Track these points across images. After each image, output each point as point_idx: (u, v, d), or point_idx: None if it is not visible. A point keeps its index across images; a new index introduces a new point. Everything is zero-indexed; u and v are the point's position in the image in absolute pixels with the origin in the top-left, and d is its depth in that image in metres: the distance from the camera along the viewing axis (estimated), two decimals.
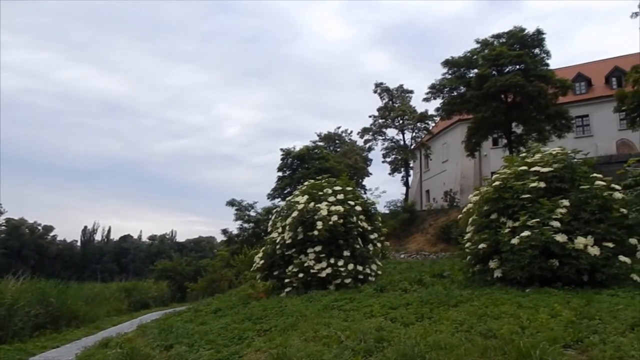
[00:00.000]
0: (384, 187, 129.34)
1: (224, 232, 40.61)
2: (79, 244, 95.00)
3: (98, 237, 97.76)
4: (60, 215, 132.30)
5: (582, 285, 7.89)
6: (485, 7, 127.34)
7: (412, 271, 13.96)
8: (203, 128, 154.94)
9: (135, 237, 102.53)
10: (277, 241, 12.20)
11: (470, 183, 33.90)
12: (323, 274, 11.02)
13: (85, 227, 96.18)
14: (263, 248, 13.24)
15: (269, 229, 13.73)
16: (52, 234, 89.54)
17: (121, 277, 51.22)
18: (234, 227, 39.62)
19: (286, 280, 11.54)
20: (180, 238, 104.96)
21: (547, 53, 28.00)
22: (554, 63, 28.89)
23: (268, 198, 38.03)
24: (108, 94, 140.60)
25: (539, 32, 27.85)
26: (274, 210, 14.50)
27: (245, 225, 38.35)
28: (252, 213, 39.07)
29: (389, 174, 40.08)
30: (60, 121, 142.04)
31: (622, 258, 8.00)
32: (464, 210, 10.94)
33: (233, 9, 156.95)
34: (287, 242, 11.77)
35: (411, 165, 42.72)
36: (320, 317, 7.45)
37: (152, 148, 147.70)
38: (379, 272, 12.28)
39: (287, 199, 13.82)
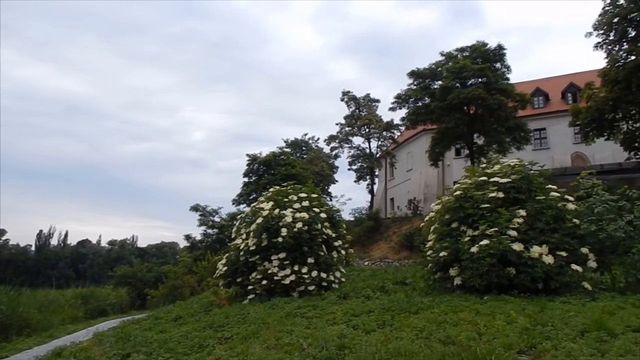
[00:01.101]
0: (349, 194, 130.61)
1: (187, 237, 39.87)
2: (33, 248, 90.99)
3: (54, 241, 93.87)
4: (14, 218, 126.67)
5: (537, 292, 8.19)
6: (450, 22, 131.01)
7: (376, 278, 14.10)
8: (168, 131, 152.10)
9: (94, 242, 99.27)
10: (241, 248, 12.08)
11: (434, 192, 34.54)
12: (287, 281, 10.99)
13: (41, 231, 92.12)
14: (226, 254, 13.09)
15: (233, 235, 13.58)
16: (4, 237, 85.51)
17: (78, 283, 49.43)
18: (197, 232, 39.01)
19: (249, 287, 11.43)
20: (142, 243, 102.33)
21: (508, 68, 29.00)
22: (514, 78, 29.94)
23: (233, 204, 37.62)
24: (69, 95, 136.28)
25: (500, 48, 28.83)
26: (239, 217, 14.36)
27: (209, 231, 37.81)
28: (217, 219, 38.57)
29: (355, 181, 40.37)
30: (15, 120, 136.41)
31: (574, 266, 8.35)
32: (426, 218, 11.17)
33: (201, 12, 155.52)
34: (251, 248, 11.68)
35: (377, 173, 43.18)
36: (283, 325, 7.42)
37: (114, 151, 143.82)
38: (343, 279, 12.35)
39: (252, 205, 13.73)
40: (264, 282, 11.16)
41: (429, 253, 10.21)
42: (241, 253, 11.99)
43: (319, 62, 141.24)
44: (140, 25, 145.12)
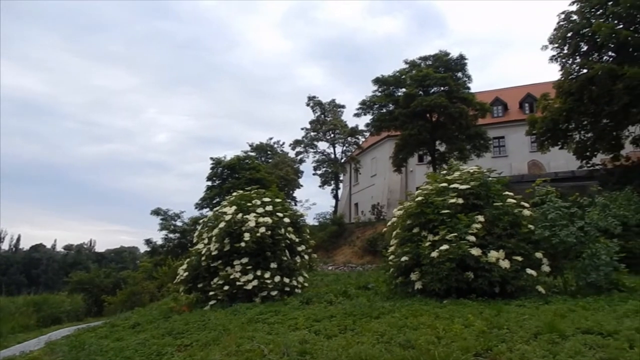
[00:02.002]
0: (314, 199, 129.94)
1: (148, 242, 38.93)
2: None
3: (5, 246, 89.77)
4: None
5: (494, 296, 8.44)
6: (415, 31, 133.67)
7: (339, 283, 14.15)
8: (130, 133, 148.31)
9: (49, 246, 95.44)
10: (203, 252, 11.88)
11: (397, 197, 35.07)
12: (249, 286, 10.87)
13: None
14: (188, 260, 12.83)
15: (195, 240, 13.35)
16: None
17: (30, 290, 47.18)
18: (158, 237, 38.24)
19: (211, 293, 11.24)
20: (100, 248, 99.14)
21: (469, 77, 29.88)
22: (474, 87, 30.96)
23: (196, 208, 37.08)
24: (25, 93, 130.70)
25: (461, 57, 29.67)
26: (201, 221, 14.13)
27: (171, 235, 37.10)
28: (179, 223, 37.90)
29: (320, 186, 40.55)
30: None
31: (529, 271, 8.64)
32: (389, 223, 11.31)
33: (168, 13, 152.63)
34: (213, 253, 11.50)
35: (341, 178, 43.52)
36: (244, 331, 7.32)
37: (73, 152, 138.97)
38: (306, 284, 12.33)
39: (215, 209, 13.54)
40: (226, 287, 11.00)
41: (391, 258, 10.34)
42: (203, 258, 11.78)
43: (286, 66, 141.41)
44: (104, 24, 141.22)
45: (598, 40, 20.71)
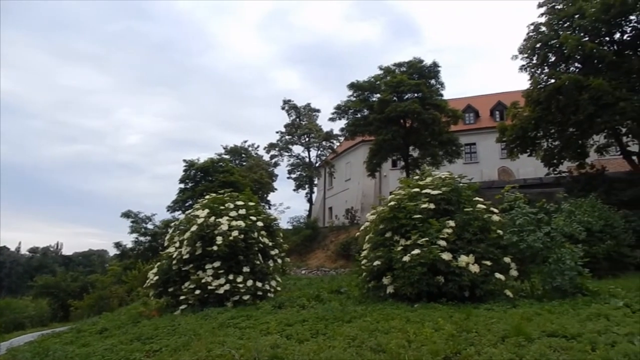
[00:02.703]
0: (288, 203, 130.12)
1: (117, 245, 38.11)
2: None
3: None
4: None
5: (464, 300, 8.58)
6: (390, 38, 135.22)
7: (311, 287, 14.14)
8: (101, 134, 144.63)
9: (13, 249, 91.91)
10: (174, 256, 11.70)
11: (371, 202, 35.33)
12: (221, 291, 10.75)
13: None
14: (158, 263, 12.61)
15: (166, 244, 13.13)
16: None
17: None
18: (129, 240, 37.42)
19: (181, 298, 11.07)
20: (68, 251, 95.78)
21: (442, 84, 30.43)
22: (447, 94, 31.43)
23: (168, 210, 36.50)
24: None
25: (435, 65, 30.18)
26: (173, 224, 13.91)
27: (142, 238, 36.44)
28: (150, 226, 37.27)
29: (294, 190, 40.53)
30: None
31: (497, 275, 8.84)
32: (362, 228, 11.38)
33: (142, 13, 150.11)
34: (185, 257, 11.34)
35: (316, 182, 43.57)
36: (215, 336, 7.23)
37: (40, 152, 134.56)
38: (279, 288, 12.28)
39: (187, 212, 13.35)
40: (197, 291, 10.85)
41: (363, 262, 10.40)
42: (174, 262, 11.60)
43: (262, 69, 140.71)
44: (75, 23, 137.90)
45: (565, 51, 21.39)
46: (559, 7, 22.88)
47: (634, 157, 22.33)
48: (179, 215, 30.66)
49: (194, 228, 11.38)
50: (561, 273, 8.89)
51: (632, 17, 21.08)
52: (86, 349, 7.94)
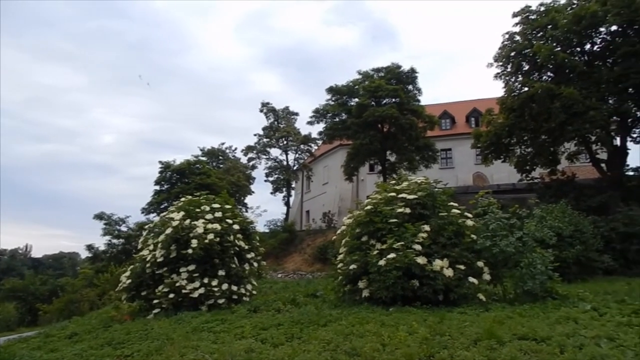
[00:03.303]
0: (265, 206, 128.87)
1: (90, 248, 37.29)
2: None
3: None
4: None
5: (438, 304, 8.68)
6: (368, 43, 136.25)
7: (287, 291, 14.10)
8: (74, 133, 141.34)
9: None
10: (148, 259, 11.50)
11: (348, 205, 35.44)
12: (195, 294, 10.61)
13: None
14: (131, 266, 12.38)
15: (140, 246, 12.90)
16: None
17: None
18: (101, 242, 36.66)
19: (155, 301, 10.87)
20: (37, 253, 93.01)
21: (419, 90, 30.86)
22: (424, 100, 31.94)
23: (142, 213, 35.93)
24: None
25: (412, 71, 30.57)
26: (147, 226, 13.68)
27: (115, 241, 35.77)
28: (124, 228, 36.64)
29: (271, 193, 40.35)
30: None
31: (471, 279, 8.98)
32: (339, 232, 11.41)
33: (119, 12, 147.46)
34: (159, 260, 11.16)
35: (293, 185, 43.50)
36: (189, 340, 7.14)
37: (10, 151, 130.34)
38: (254, 292, 12.20)
39: (162, 214, 13.15)
40: (171, 295, 10.68)
41: (339, 266, 10.43)
42: (147, 265, 11.40)
43: (240, 72, 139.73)
44: (49, 20, 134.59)
45: (538, 60, 21.97)
46: (532, 17, 23.50)
47: (603, 165, 23.03)
48: (154, 217, 30.15)
49: (168, 231, 11.22)
50: (532, 277, 9.08)
51: (601, 29, 21.81)
52: (54, 354, 7.74)
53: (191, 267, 10.92)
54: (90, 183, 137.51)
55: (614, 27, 21.30)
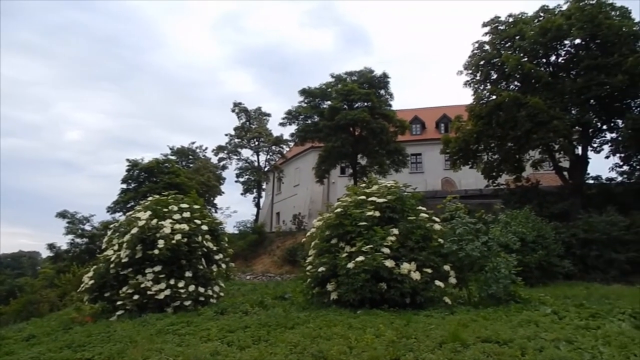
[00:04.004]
0: (235, 207, 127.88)
1: (51, 247, 36.08)
2: None
3: None
4: None
5: (405, 306, 8.79)
6: (342, 47, 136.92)
7: (256, 293, 14.00)
8: (37, 128, 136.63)
9: None
10: (112, 259, 11.19)
11: (319, 208, 35.45)
12: (161, 296, 10.39)
13: None
14: (95, 267, 12.02)
15: (104, 246, 12.55)
16: None
17: None
18: (64, 242, 35.53)
19: (118, 303, 10.58)
20: None
21: (391, 95, 31.24)
22: (395, 104, 32.23)
23: (108, 211, 35.05)
24: None
25: (385, 76, 30.93)
26: (112, 226, 13.33)
27: (78, 240, 34.79)
28: (88, 227, 35.68)
29: (242, 194, 40.06)
30: None
31: (437, 282, 9.13)
32: (308, 234, 11.41)
33: (88, 6, 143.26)
34: (124, 260, 10.87)
35: (264, 187, 43.29)
36: (153, 343, 6.97)
37: None
38: (222, 294, 12.04)
39: (128, 214, 12.84)
40: (136, 297, 10.42)
41: (308, 268, 10.42)
42: (112, 265, 11.09)
43: (213, 71, 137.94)
44: (12, 11, 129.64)
45: (506, 70, 22.59)
46: (501, 28, 24.15)
47: (565, 173, 23.83)
48: (120, 216, 29.50)
49: (134, 230, 10.95)
50: (496, 281, 9.31)
51: (566, 42, 22.62)
52: (10, 357, 7.42)
53: (157, 268, 10.69)
54: (53, 180, 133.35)
55: (577, 41, 22.14)
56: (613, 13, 21.52)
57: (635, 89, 20.85)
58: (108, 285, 11.14)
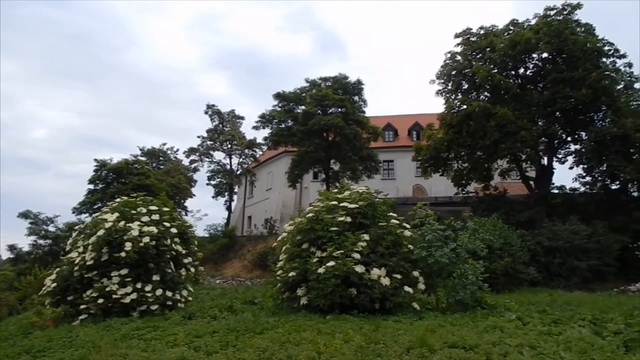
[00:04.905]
0: (206, 209, 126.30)
1: (12, 248, 34.75)
2: None
3: None
4: None
5: (374, 312, 8.85)
6: (317, 52, 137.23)
7: (225, 297, 13.85)
8: (2, 125, 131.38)
9: None
10: (76, 262, 10.87)
11: (291, 212, 35.36)
12: (127, 300, 10.15)
13: None
14: (58, 269, 11.65)
15: (68, 248, 12.18)
16: None
17: None
18: (25, 243, 34.29)
19: (82, 307, 10.26)
20: None
21: (365, 102, 31.60)
22: (369, 111, 32.60)
23: (74, 212, 33.98)
24: None
25: (359, 82, 31.25)
26: (77, 227, 12.95)
27: (41, 241, 33.59)
28: (52, 228, 34.50)
29: (213, 197, 39.55)
30: None
31: (406, 288, 9.23)
32: (279, 238, 11.37)
33: (60, 1, 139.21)
34: (88, 263, 10.57)
35: (236, 190, 42.91)
36: (117, 348, 6.80)
37: None
38: (190, 298, 11.85)
39: (95, 215, 12.52)
40: (100, 300, 10.14)
41: (279, 273, 10.37)
42: (76, 268, 10.77)
43: (187, 72, 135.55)
44: None
45: (477, 80, 23.14)
46: (473, 39, 24.76)
47: (531, 182, 24.53)
48: (86, 218, 28.72)
49: (101, 232, 10.67)
50: (464, 287, 9.48)
51: (534, 55, 23.36)
52: None
53: (124, 271, 10.44)
54: (16, 179, 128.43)
55: (545, 55, 22.89)
56: (578, 29, 22.37)
57: (598, 103, 21.69)
58: (71, 289, 10.82)
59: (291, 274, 9.56)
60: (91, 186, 34.81)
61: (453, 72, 24.70)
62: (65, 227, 32.27)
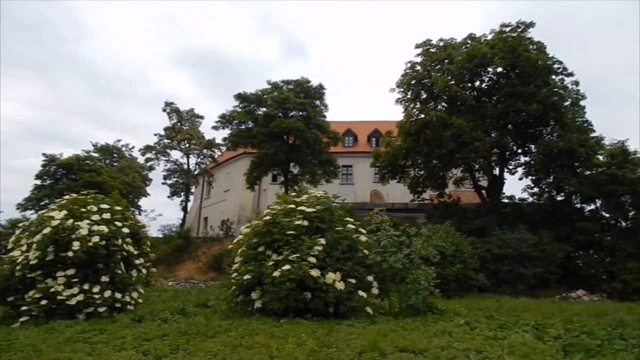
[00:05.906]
0: (161, 209, 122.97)
1: None
2: None
3: None
4: None
5: (328, 316, 8.90)
6: (280, 56, 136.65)
7: (177, 300, 13.54)
8: None
9: None
10: (19, 261, 10.32)
11: (248, 215, 35.08)
12: (73, 301, 9.72)
13: None
14: None
15: (10, 246, 11.56)
16: None
17: None
18: None
19: (23, 308, 9.76)
20: None
21: (326, 106, 31.76)
22: (329, 116, 32.75)
23: (18, 209, 32.36)
24: None
25: (321, 87, 31.41)
26: (21, 224, 12.32)
27: None
28: None
29: (169, 196, 38.66)
30: None
31: (361, 293, 9.34)
32: (235, 241, 11.24)
33: None
34: (32, 262, 10.06)
35: (192, 190, 42.14)
36: (60, 352, 6.50)
37: None
38: (140, 300, 11.50)
39: (41, 212, 11.95)
40: (44, 302, 9.67)
41: (234, 275, 10.25)
42: (18, 267, 10.21)
43: (148, 68, 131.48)
44: None
45: (435, 91, 23.80)
46: (432, 50, 25.46)
47: (483, 191, 25.41)
48: (31, 215, 27.39)
49: (46, 230, 10.19)
50: (416, 292, 9.70)
51: (489, 69, 24.27)
52: None
53: (70, 272, 9.99)
54: None
55: (499, 69, 23.82)
56: (531, 47, 23.43)
57: (547, 118, 22.78)
58: (12, 289, 10.26)
59: (246, 277, 9.47)
60: (38, 182, 33.28)
61: (412, 82, 25.27)
62: (8, 224, 30.62)
